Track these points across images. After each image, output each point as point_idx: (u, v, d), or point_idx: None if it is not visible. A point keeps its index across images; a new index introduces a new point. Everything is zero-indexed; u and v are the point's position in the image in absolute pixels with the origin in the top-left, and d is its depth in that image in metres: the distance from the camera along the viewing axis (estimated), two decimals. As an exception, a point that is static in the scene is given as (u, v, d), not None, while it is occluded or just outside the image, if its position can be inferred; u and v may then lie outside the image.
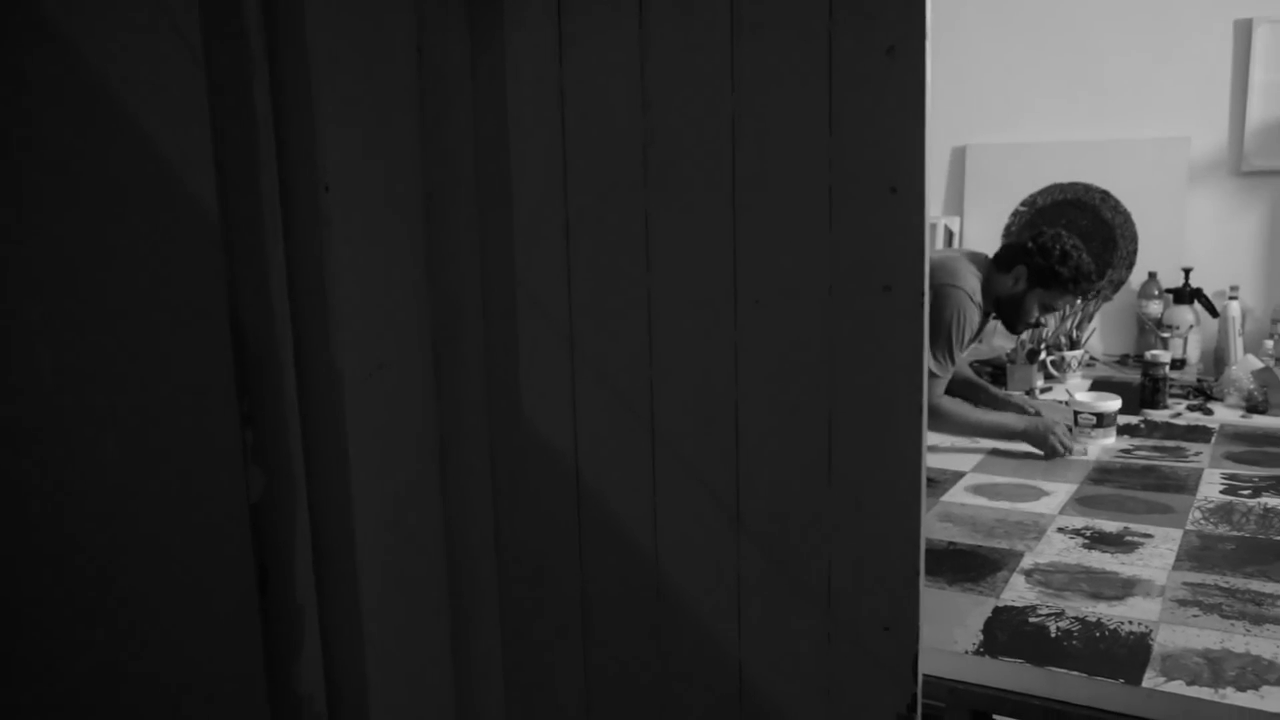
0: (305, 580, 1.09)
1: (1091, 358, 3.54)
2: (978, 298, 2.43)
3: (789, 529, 1.06)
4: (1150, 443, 2.57)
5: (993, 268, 2.49)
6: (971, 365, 2.81)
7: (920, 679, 1.02)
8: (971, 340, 2.48)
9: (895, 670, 1.02)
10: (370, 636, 1.12)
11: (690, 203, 1.07)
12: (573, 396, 1.16)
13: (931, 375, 2.39)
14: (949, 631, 1.54)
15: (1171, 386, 3.10)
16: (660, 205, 1.08)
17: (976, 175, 3.74)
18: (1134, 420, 2.79)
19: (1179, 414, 2.95)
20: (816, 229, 1.00)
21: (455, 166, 1.16)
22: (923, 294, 0.96)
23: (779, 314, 1.03)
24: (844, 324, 1.00)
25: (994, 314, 2.51)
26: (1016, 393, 2.86)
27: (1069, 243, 2.41)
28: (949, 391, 2.62)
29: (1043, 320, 2.56)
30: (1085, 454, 2.42)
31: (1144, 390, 3.00)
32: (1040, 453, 2.39)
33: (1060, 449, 2.36)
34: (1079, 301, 3.34)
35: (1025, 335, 3.21)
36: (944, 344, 2.38)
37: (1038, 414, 2.46)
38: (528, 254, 1.16)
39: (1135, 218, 3.53)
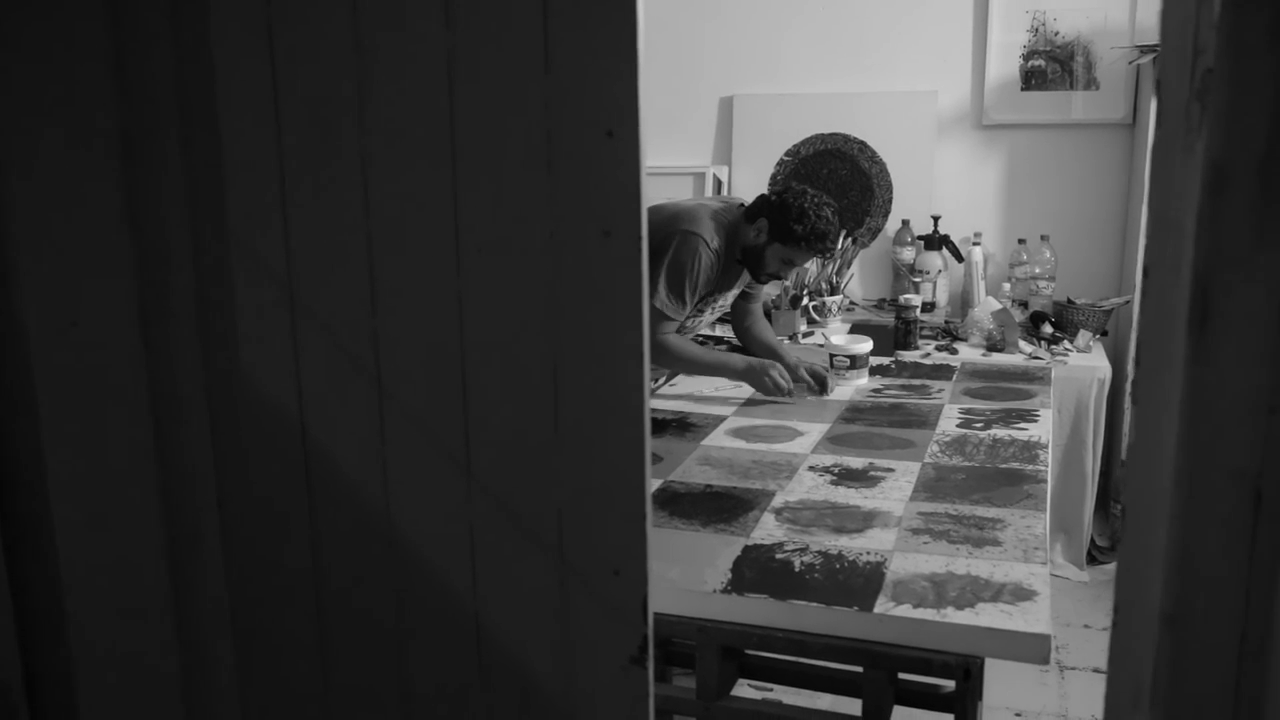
0: (-7, 558, 1.00)
1: (851, 302, 3.70)
2: (715, 244, 2.45)
3: (518, 477, 1.05)
4: (899, 382, 2.71)
5: (742, 218, 2.52)
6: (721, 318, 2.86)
7: (651, 621, 1.03)
8: (710, 287, 2.49)
9: (626, 614, 1.03)
10: (73, 616, 1.04)
11: (409, 146, 1.02)
12: (294, 350, 1.10)
13: (663, 316, 2.41)
14: (700, 572, 1.58)
15: (922, 328, 3.28)
16: (378, 149, 1.04)
17: (743, 125, 3.81)
18: (886, 361, 2.93)
19: (928, 354, 3.13)
20: (536, 173, 0.98)
21: (155, 106, 1.07)
22: (641, 239, 0.95)
23: (501, 260, 1.01)
24: (565, 270, 0.99)
25: (740, 262, 2.54)
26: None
27: (811, 201, 2.42)
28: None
29: (783, 275, 2.60)
30: (824, 395, 2.52)
31: (897, 332, 3.16)
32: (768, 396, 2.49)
33: (777, 387, 2.46)
34: (824, 259, 3.45)
35: (789, 281, 3.31)
36: (676, 287, 2.40)
37: (827, 369, 2.57)
38: (241, 201, 1.09)
39: (890, 167, 3.69)
